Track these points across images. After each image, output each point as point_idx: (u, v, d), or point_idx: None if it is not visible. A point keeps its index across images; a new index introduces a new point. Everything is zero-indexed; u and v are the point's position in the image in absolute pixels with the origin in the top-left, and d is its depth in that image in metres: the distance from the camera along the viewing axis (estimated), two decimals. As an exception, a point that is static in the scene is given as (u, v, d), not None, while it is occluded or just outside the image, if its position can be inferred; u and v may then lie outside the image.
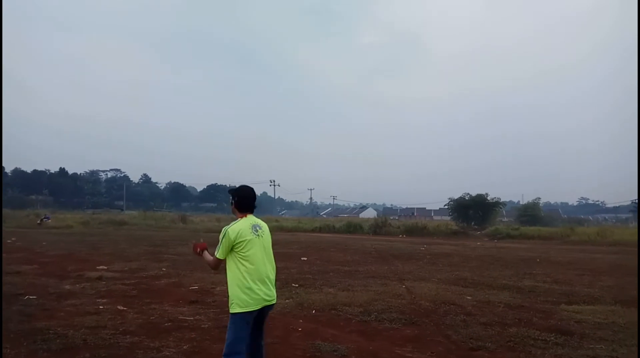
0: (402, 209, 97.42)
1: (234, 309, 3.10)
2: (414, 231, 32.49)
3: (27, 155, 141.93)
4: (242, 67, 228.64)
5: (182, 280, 9.13)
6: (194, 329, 5.41)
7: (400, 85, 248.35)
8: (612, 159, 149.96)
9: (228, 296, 3.18)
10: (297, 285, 8.61)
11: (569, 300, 7.70)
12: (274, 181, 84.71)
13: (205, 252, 3.40)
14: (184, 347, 4.68)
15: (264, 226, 3.37)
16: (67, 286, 8.16)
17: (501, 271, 11.45)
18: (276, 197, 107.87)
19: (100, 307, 6.47)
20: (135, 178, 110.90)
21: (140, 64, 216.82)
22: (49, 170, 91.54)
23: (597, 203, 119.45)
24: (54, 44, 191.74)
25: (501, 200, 38.58)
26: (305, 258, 13.76)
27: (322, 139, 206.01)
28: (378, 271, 11.17)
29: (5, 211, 37.82)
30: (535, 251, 18.22)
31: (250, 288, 3.10)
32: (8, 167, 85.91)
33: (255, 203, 3.37)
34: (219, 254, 3.17)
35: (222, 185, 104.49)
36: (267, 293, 3.20)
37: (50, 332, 5.11)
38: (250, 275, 3.12)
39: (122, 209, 71.14)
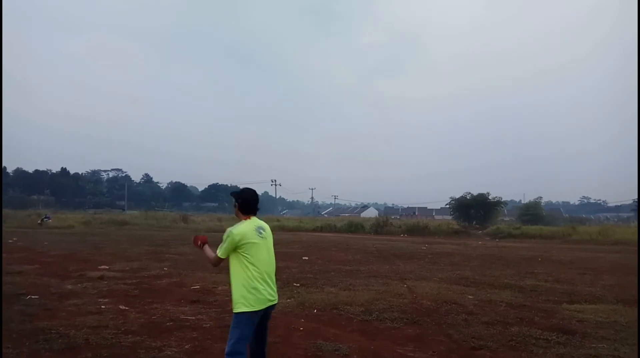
0: (404, 209, 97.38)
1: (240, 309, 3.13)
2: (415, 230, 32.49)
3: (27, 155, 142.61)
4: (242, 67, 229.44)
5: (183, 280, 9.14)
6: (195, 328, 5.42)
7: (400, 85, 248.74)
8: (612, 159, 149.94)
9: (232, 296, 3.20)
10: (298, 285, 8.62)
11: (571, 299, 7.69)
12: (275, 180, 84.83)
13: (207, 246, 3.43)
14: (186, 347, 4.68)
15: (267, 228, 3.43)
16: (69, 286, 8.17)
17: (503, 271, 11.44)
18: (277, 197, 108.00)
19: (102, 307, 6.48)
20: (136, 177, 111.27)
21: (140, 64, 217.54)
22: (50, 170, 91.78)
23: (598, 202, 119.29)
24: (54, 44, 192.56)
25: (502, 199, 38.56)
26: (307, 258, 13.76)
27: (322, 139, 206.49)
28: (379, 270, 11.17)
29: (7, 211, 37.93)
30: (536, 251, 18.20)
31: (256, 289, 3.16)
32: (10, 167, 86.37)
33: (259, 205, 3.41)
34: (221, 253, 3.22)
35: (224, 185, 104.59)
36: (271, 294, 3.27)
37: (52, 331, 5.11)
38: (256, 276, 3.18)
39: (124, 209, 71.23)
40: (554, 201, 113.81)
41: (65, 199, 78.24)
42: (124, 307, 6.50)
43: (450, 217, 41.62)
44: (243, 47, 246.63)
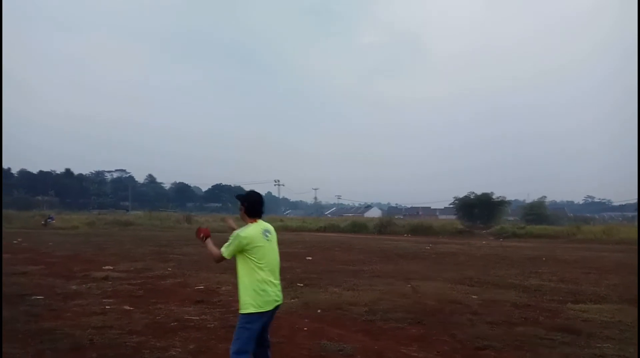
0: (407, 209, 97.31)
1: (248, 309, 3.16)
2: (419, 230, 32.45)
3: (28, 155, 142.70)
4: (242, 67, 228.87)
5: (187, 280, 9.16)
6: (199, 329, 5.43)
7: (400, 85, 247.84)
8: (612, 159, 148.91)
9: (239, 297, 3.22)
10: (302, 285, 8.62)
11: (576, 298, 7.66)
12: (278, 181, 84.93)
13: (209, 240, 3.43)
14: (190, 347, 4.69)
15: (273, 231, 3.46)
16: (74, 287, 8.20)
17: (507, 270, 11.40)
18: (281, 197, 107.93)
19: (107, 307, 6.51)
20: (140, 178, 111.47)
21: (140, 64, 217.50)
22: (54, 171, 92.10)
23: (603, 201, 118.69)
24: (54, 44, 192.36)
25: (506, 199, 38.41)
26: (311, 258, 13.77)
27: (323, 139, 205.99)
28: (383, 270, 11.16)
29: (11, 212, 38.11)
30: (541, 250, 18.13)
31: (265, 291, 3.19)
32: (14, 168, 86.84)
33: (264, 208, 3.42)
34: (226, 254, 3.23)
35: (227, 185, 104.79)
36: (277, 294, 3.31)
37: (57, 332, 5.14)
38: (265, 279, 3.21)
39: (128, 210, 71.45)
40: (558, 201, 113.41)
41: (70, 200, 78.59)
42: (128, 308, 6.53)
43: (454, 217, 41.52)
44: (243, 47, 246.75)
